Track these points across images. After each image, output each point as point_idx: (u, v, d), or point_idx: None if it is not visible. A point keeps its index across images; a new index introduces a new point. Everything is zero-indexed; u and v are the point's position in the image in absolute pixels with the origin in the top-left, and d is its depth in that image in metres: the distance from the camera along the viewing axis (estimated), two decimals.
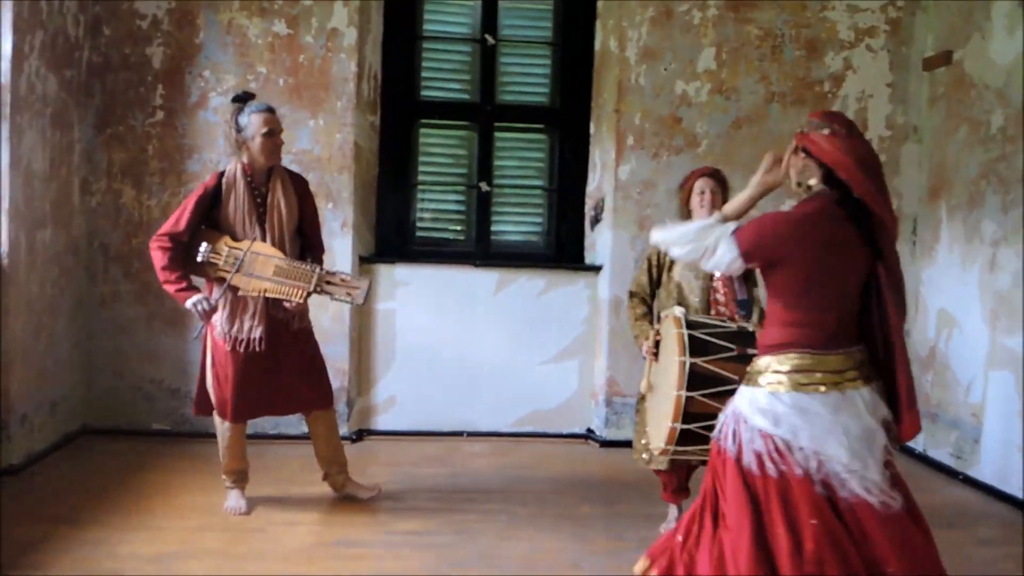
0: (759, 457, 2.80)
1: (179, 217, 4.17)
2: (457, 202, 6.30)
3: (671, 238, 2.93)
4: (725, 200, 4.23)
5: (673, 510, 4.38)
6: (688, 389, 3.50)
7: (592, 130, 6.17)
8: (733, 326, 3.72)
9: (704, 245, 2.84)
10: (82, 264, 5.55)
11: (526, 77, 6.30)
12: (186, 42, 5.62)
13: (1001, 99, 5.22)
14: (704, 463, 4.02)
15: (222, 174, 4.23)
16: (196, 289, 4.18)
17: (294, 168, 5.58)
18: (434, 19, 6.13)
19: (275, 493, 4.65)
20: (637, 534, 4.31)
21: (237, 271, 4.12)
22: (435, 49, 6.18)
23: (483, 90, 6.13)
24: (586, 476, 5.30)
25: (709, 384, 3.48)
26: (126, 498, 4.48)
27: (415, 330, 5.91)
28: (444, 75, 6.22)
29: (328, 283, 4.16)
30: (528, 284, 6.03)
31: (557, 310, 6.05)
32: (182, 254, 4.17)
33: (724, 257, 2.81)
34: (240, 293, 4.16)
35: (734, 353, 3.51)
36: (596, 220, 6.12)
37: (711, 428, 3.47)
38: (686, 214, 4.35)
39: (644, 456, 4.21)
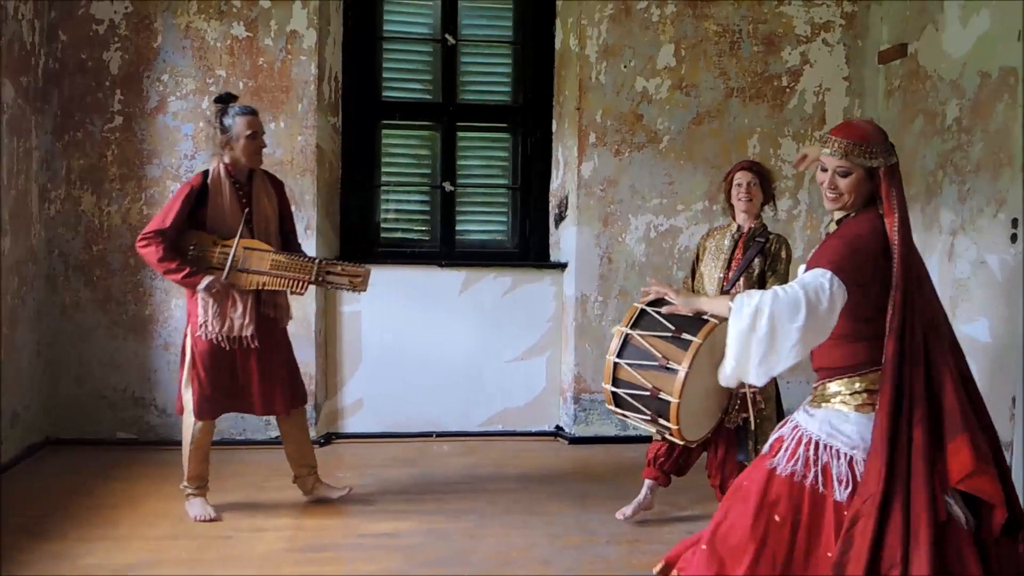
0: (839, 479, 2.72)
1: (165, 215, 4.16)
2: (421, 202, 6.29)
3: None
4: (766, 192, 4.34)
5: (645, 488, 4.42)
6: (619, 356, 3.59)
7: (554, 128, 6.19)
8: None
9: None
10: (42, 273, 5.48)
11: (487, 76, 6.31)
12: (144, 46, 5.56)
13: (956, 90, 5.29)
14: (650, 435, 4.09)
15: (206, 173, 4.24)
16: (201, 274, 4.14)
17: None
18: (394, 20, 6.12)
19: (243, 499, 4.62)
20: (607, 529, 4.34)
21: (231, 267, 4.12)
22: (396, 50, 6.17)
23: (445, 90, 6.13)
24: (556, 473, 5.31)
25: (637, 356, 3.55)
26: (91, 508, 4.44)
27: (381, 331, 5.90)
28: (405, 76, 6.21)
29: (329, 273, 4.22)
30: (494, 283, 6.03)
31: (523, 308, 6.06)
32: (172, 249, 4.14)
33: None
34: (238, 288, 4.17)
35: (669, 334, 3.54)
36: (560, 218, 6.14)
37: (637, 399, 3.52)
38: (729, 208, 4.45)
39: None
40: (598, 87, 5.92)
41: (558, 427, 6.11)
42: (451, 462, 5.51)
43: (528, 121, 6.23)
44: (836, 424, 2.77)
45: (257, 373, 4.31)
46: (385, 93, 6.12)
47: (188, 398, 4.26)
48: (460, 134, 6.19)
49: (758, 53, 6.04)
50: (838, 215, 2.90)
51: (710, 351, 3.43)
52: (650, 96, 5.95)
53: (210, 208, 4.19)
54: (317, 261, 4.20)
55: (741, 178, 4.32)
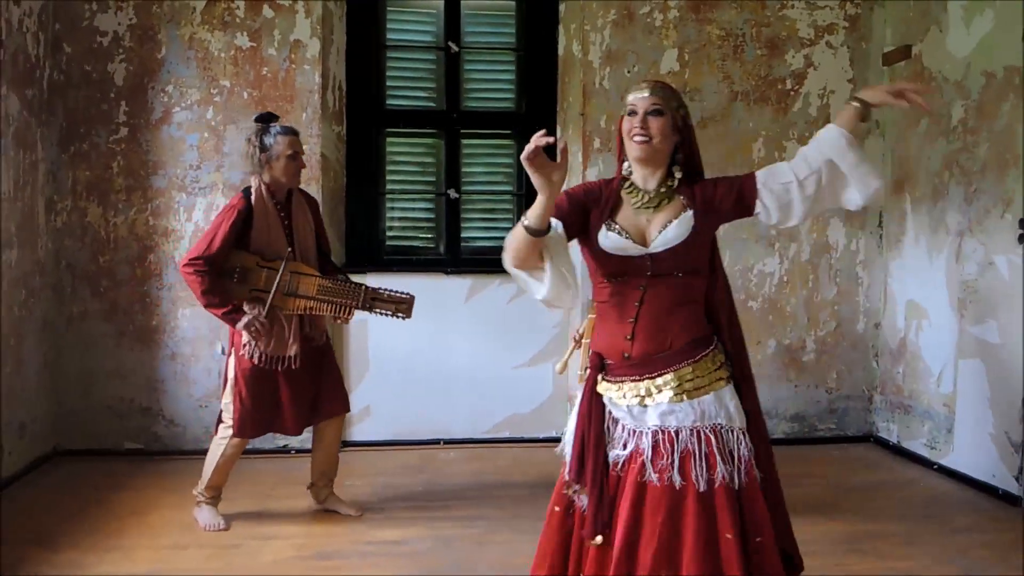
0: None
1: (211, 240, 4.10)
2: (426, 210, 6.29)
3: None
4: None
5: None
6: None
7: (558, 134, 6.19)
8: None
9: None
10: (49, 284, 5.50)
11: (491, 83, 6.31)
12: (148, 57, 5.58)
13: (960, 91, 5.28)
14: None
15: (247, 193, 4.21)
16: (243, 311, 4.12)
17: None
18: (397, 28, 6.14)
19: (251, 508, 4.62)
20: None
21: (276, 291, 4.13)
22: (399, 58, 6.18)
23: (448, 97, 6.13)
24: None
25: None
26: (99, 519, 4.44)
27: (388, 339, 5.89)
28: (409, 83, 6.21)
29: (375, 299, 4.24)
30: (500, 289, 6.02)
31: (529, 314, 6.04)
32: (217, 276, 4.13)
33: None
34: (285, 312, 4.18)
35: None
36: None
37: None
38: None
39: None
40: (602, 93, 5.92)
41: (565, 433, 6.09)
42: (458, 469, 5.50)
43: (532, 127, 6.11)
44: (725, 403, 2.61)
45: (295, 394, 4.32)
46: (389, 101, 6.13)
47: (229, 416, 4.27)
48: (464, 141, 6.19)
49: (762, 56, 6.04)
50: (651, 183, 2.67)
51: None
52: None
53: (255, 230, 4.18)
54: (364, 288, 4.22)
55: None
